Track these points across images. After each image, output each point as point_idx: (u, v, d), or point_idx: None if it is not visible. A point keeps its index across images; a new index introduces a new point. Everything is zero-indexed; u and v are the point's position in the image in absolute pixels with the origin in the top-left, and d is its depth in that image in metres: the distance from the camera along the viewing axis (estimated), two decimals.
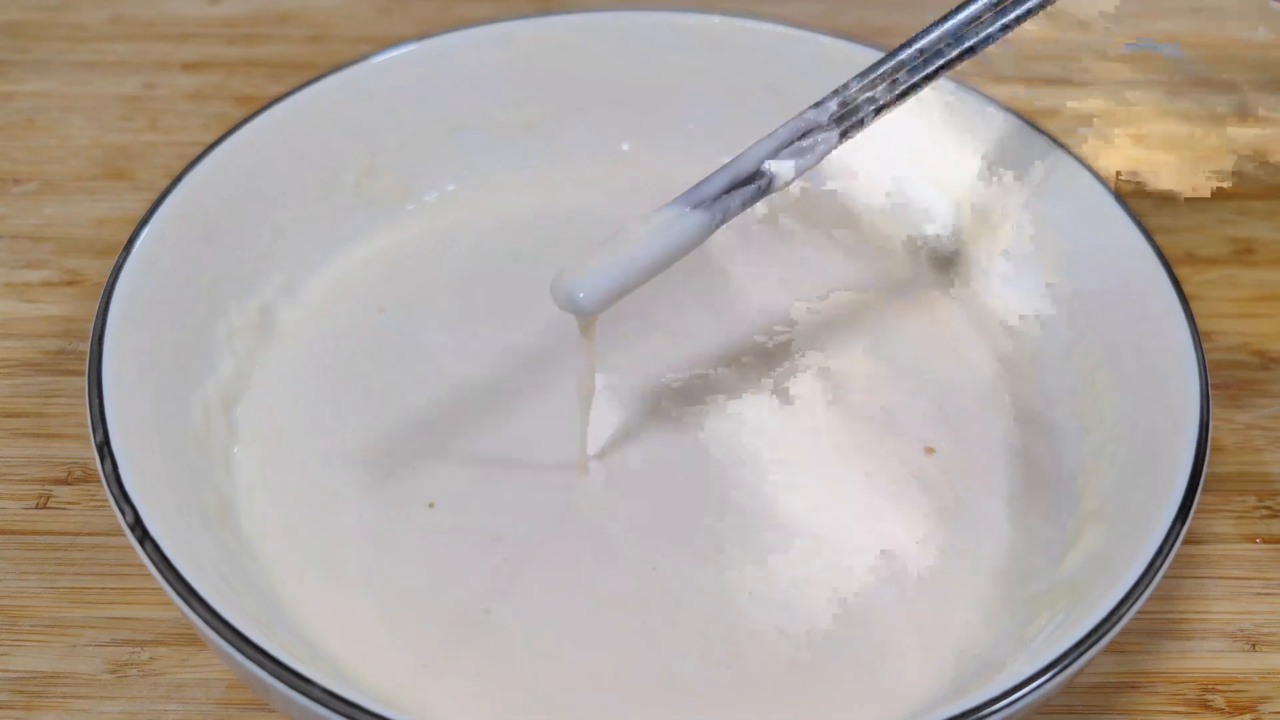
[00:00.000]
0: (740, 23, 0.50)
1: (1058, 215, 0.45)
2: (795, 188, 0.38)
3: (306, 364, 0.45)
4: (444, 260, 0.48)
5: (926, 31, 0.40)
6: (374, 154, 0.49)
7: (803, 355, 0.45)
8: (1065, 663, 0.32)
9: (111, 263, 0.40)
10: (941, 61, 0.40)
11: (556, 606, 0.38)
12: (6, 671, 0.39)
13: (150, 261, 0.41)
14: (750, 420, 0.43)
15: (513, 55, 0.50)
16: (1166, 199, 0.55)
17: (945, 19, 0.40)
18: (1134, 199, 0.53)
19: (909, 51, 0.40)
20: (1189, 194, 0.55)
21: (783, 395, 0.44)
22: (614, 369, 0.44)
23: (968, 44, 0.40)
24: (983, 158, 0.47)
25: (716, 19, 0.50)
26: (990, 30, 0.40)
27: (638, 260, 0.37)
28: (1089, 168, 0.44)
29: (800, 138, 0.38)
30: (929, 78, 0.40)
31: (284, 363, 0.44)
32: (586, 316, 0.37)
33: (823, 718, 0.36)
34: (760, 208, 0.48)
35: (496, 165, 0.51)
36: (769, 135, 0.39)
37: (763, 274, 0.48)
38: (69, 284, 0.50)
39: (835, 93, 0.40)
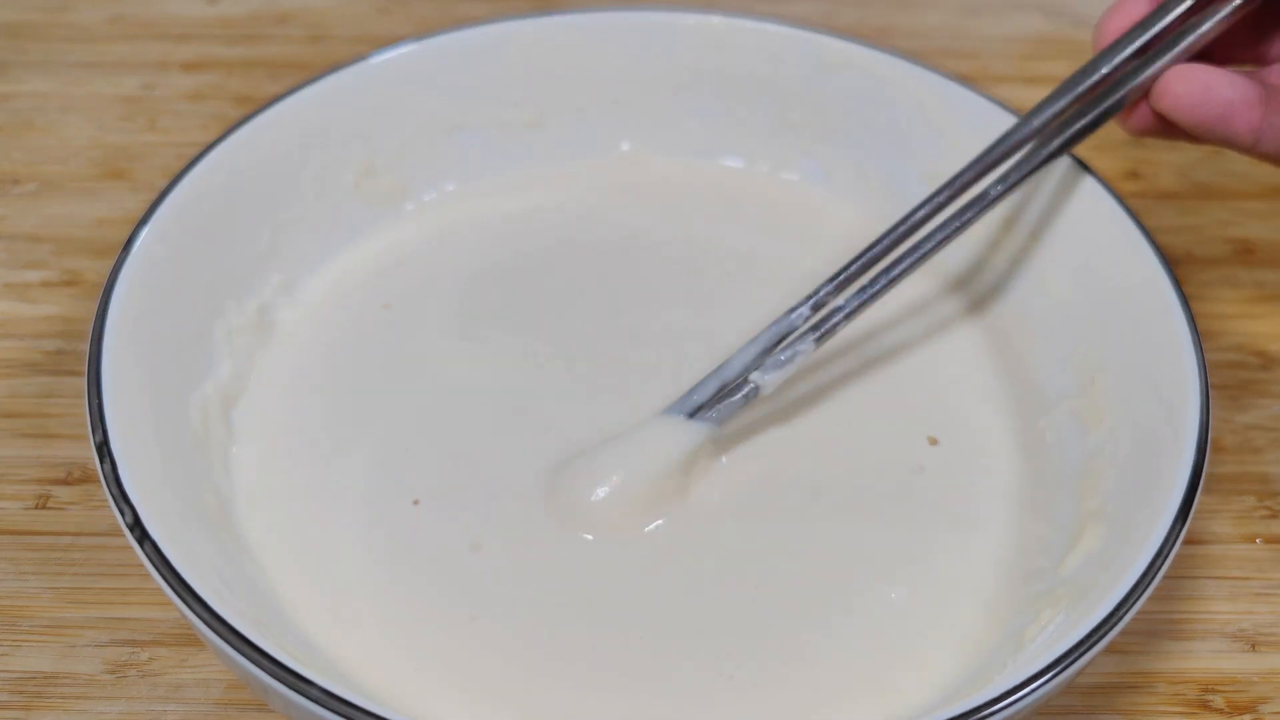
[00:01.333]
0: (740, 23, 0.50)
1: (1058, 215, 0.45)
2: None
3: (305, 364, 0.44)
4: (443, 260, 0.48)
5: (884, 238, 0.43)
6: (374, 154, 0.49)
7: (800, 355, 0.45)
8: (1065, 663, 0.32)
9: (110, 263, 0.40)
10: (904, 266, 0.42)
11: (551, 608, 0.38)
12: (6, 671, 0.39)
13: (149, 262, 0.41)
14: (749, 416, 0.43)
15: (513, 55, 0.50)
16: (1166, 199, 0.55)
17: (907, 227, 0.43)
18: (1134, 199, 0.53)
19: (871, 257, 0.43)
20: (1189, 194, 0.55)
21: (780, 394, 0.44)
22: (607, 363, 0.44)
23: (924, 251, 0.42)
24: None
25: (716, 19, 0.50)
26: (945, 236, 0.43)
27: (649, 473, 0.40)
28: (1089, 168, 0.44)
29: (778, 343, 0.42)
30: (893, 282, 0.42)
31: (283, 363, 0.44)
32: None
33: (823, 718, 0.36)
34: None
35: (496, 165, 0.51)
36: (751, 341, 0.42)
37: (762, 271, 0.48)
38: (68, 284, 0.50)
39: (808, 298, 0.42)
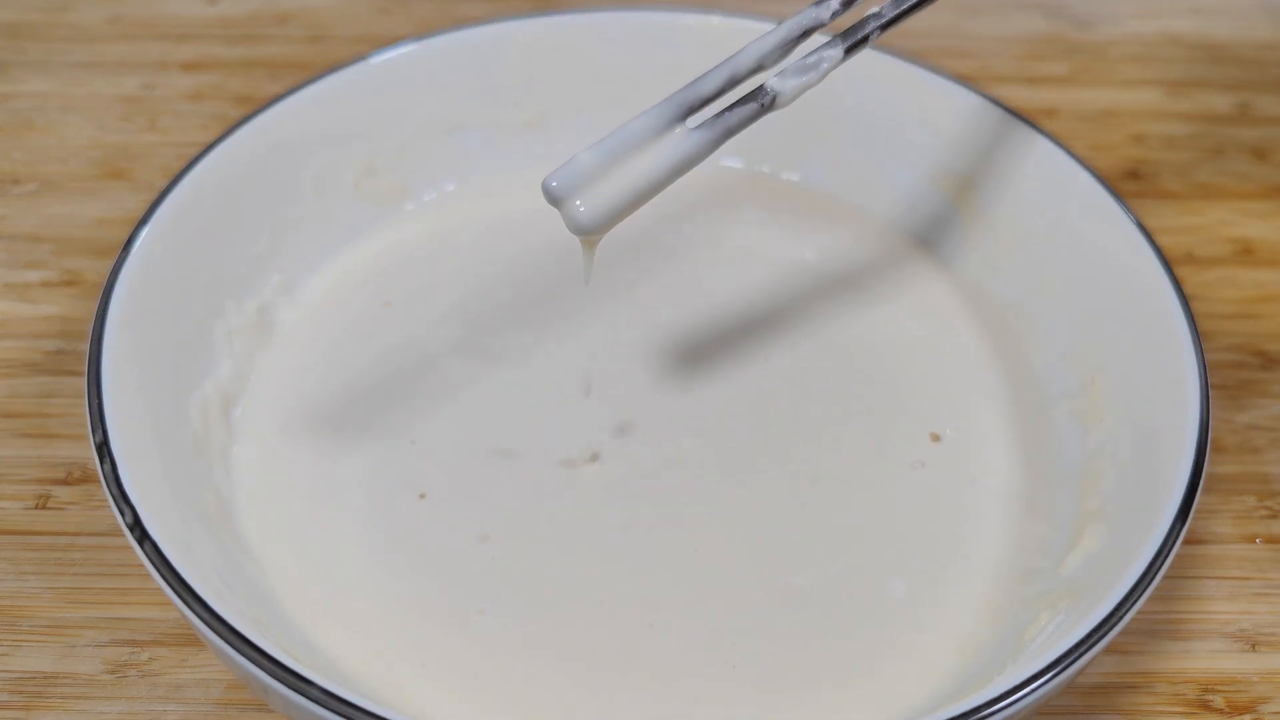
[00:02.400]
0: (740, 23, 0.50)
1: (1058, 215, 0.45)
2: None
3: (305, 364, 0.45)
4: (443, 260, 0.48)
5: None
6: (373, 154, 0.49)
7: (800, 357, 0.45)
8: (1065, 663, 0.32)
9: (110, 263, 0.40)
10: None
11: (552, 606, 0.38)
12: (6, 672, 0.39)
13: (149, 262, 0.41)
14: (750, 414, 0.43)
15: (513, 55, 0.50)
16: (1167, 199, 0.55)
17: None
18: (1134, 199, 0.53)
19: None
20: (1189, 194, 0.55)
21: (782, 397, 0.44)
22: (610, 355, 0.45)
23: None
24: (983, 158, 0.47)
25: (716, 19, 0.50)
26: None
27: (641, 184, 0.36)
28: (1089, 168, 0.44)
29: (802, 35, 0.37)
30: None
31: (282, 363, 0.44)
32: (588, 235, 0.36)
33: (823, 718, 0.36)
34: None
35: (496, 165, 0.51)
36: (769, 32, 0.37)
37: (762, 270, 0.48)
38: (68, 284, 0.50)
39: None
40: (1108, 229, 0.43)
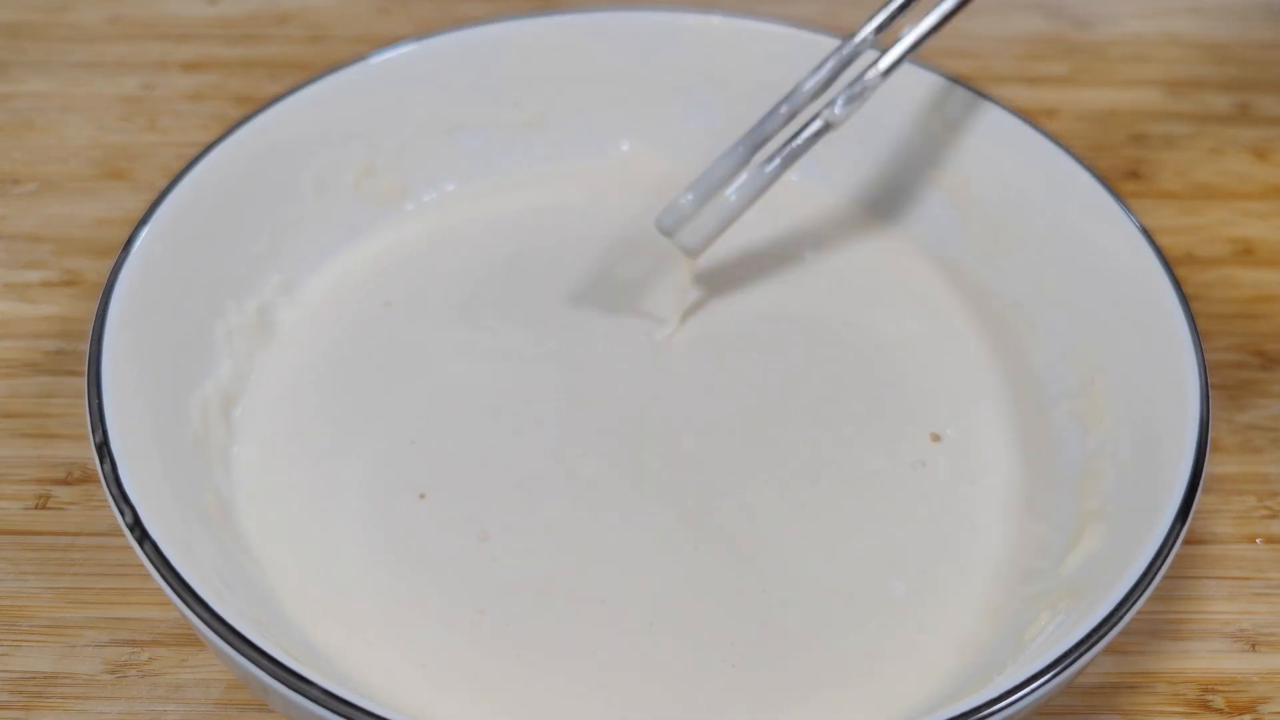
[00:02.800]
0: (740, 23, 0.50)
1: (1058, 215, 0.45)
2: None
3: (305, 364, 0.44)
4: (443, 260, 0.48)
5: None
6: (373, 154, 0.49)
7: (800, 357, 0.45)
8: (1065, 663, 0.32)
9: (110, 263, 0.40)
10: None
11: (553, 605, 0.38)
12: (6, 671, 0.39)
13: (149, 262, 0.41)
14: (750, 414, 0.43)
15: (513, 55, 0.50)
16: (1166, 199, 0.55)
17: None
18: (1134, 199, 0.53)
19: None
20: (1189, 194, 0.55)
21: (782, 397, 0.44)
22: (598, 346, 0.45)
23: None
24: (983, 158, 0.47)
25: (716, 19, 0.50)
26: None
27: (729, 213, 0.44)
28: (1089, 168, 0.44)
29: (844, 69, 0.43)
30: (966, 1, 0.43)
31: (282, 363, 0.44)
32: (695, 255, 0.45)
33: (823, 718, 0.36)
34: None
35: (496, 165, 0.51)
36: (816, 69, 0.44)
37: (764, 273, 0.48)
38: (68, 284, 0.50)
39: (871, 18, 0.44)
40: (1108, 229, 0.43)
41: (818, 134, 0.43)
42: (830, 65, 0.44)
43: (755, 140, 0.44)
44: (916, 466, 0.42)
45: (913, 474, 0.42)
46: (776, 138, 0.44)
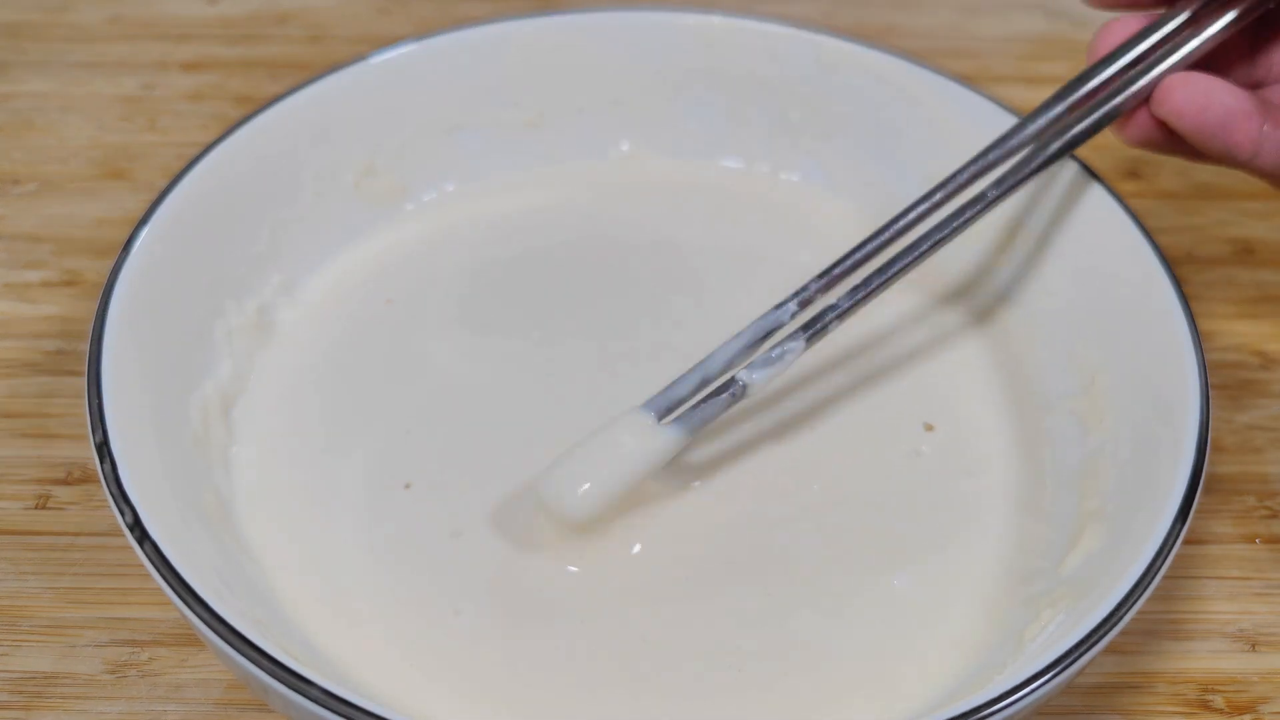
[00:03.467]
0: (740, 23, 0.50)
1: (1058, 216, 0.45)
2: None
3: (305, 364, 0.44)
4: (443, 261, 0.48)
5: (876, 236, 0.42)
6: (373, 154, 0.49)
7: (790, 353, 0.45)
8: (1065, 663, 0.32)
9: (110, 263, 0.40)
10: (898, 267, 0.41)
11: (553, 605, 0.38)
12: (6, 671, 0.39)
13: (149, 262, 0.41)
14: (749, 414, 0.43)
15: (513, 55, 0.50)
16: (1166, 199, 0.55)
17: (901, 226, 0.42)
18: (1134, 199, 0.53)
19: (864, 255, 0.42)
20: (1189, 194, 0.55)
21: (781, 396, 0.44)
22: (606, 361, 0.45)
23: (919, 251, 0.41)
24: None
25: (716, 19, 0.50)
26: (941, 236, 0.42)
27: (624, 475, 0.39)
28: (1089, 168, 0.44)
29: (764, 339, 0.40)
30: (887, 283, 0.41)
31: (283, 363, 0.44)
32: (582, 525, 0.39)
33: (823, 718, 0.36)
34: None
35: (496, 165, 0.51)
36: (735, 336, 0.40)
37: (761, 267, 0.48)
38: (68, 284, 0.50)
39: (796, 294, 0.41)
40: (1108, 229, 0.43)
41: (732, 398, 0.39)
42: (750, 335, 0.40)
43: (663, 406, 0.39)
44: (916, 466, 0.42)
45: (913, 475, 0.42)
46: (687, 401, 0.40)
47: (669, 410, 0.39)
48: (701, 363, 0.40)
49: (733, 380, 0.40)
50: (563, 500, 0.38)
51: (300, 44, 0.61)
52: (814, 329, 0.41)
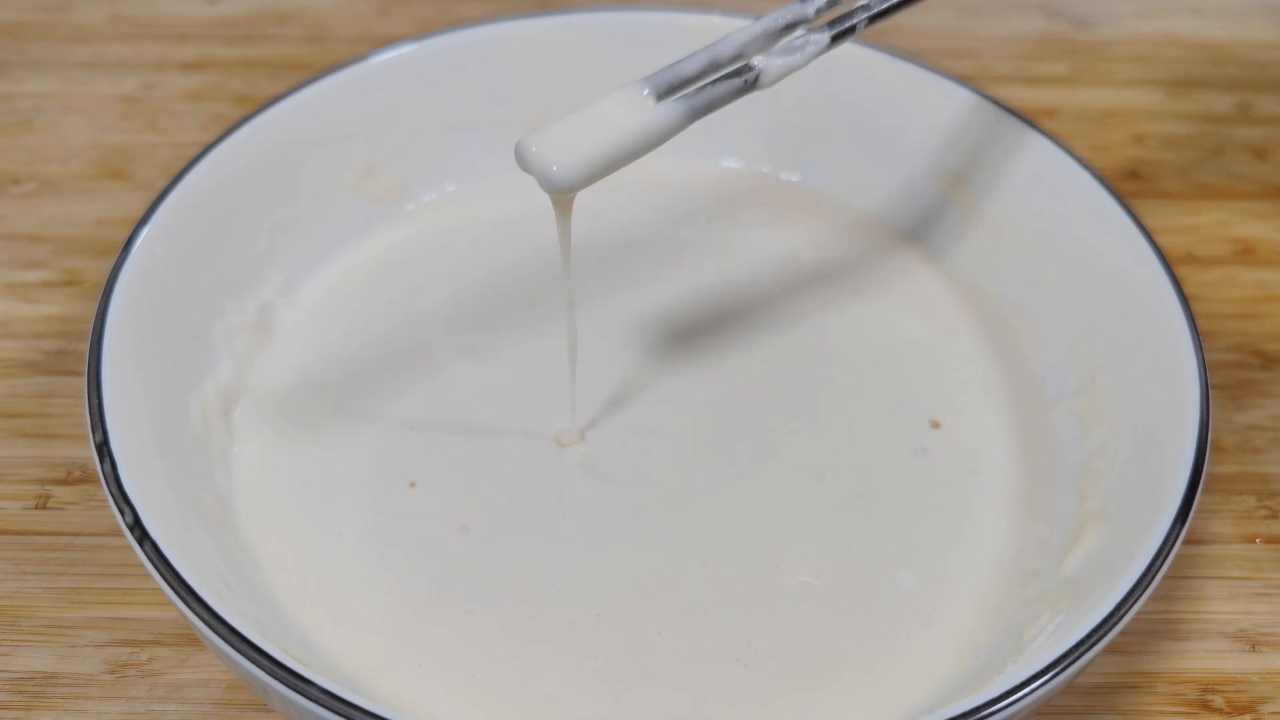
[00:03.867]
0: (740, 23, 0.50)
1: (1058, 215, 0.45)
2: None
3: (305, 364, 0.44)
4: (443, 260, 0.48)
5: None
6: (372, 154, 0.49)
7: (802, 357, 0.45)
8: (1065, 663, 0.32)
9: (110, 263, 0.40)
10: None
11: (554, 604, 0.38)
12: (6, 671, 0.39)
13: (149, 262, 0.41)
14: (749, 414, 0.43)
15: (513, 55, 0.50)
16: (1167, 199, 0.55)
17: None
18: (1134, 199, 0.53)
19: None
20: (1189, 194, 0.55)
21: (782, 396, 0.44)
22: (600, 344, 0.45)
23: None
24: (983, 158, 0.47)
25: (716, 19, 0.50)
26: None
27: (616, 147, 0.36)
28: (1089, 168, 0.44)
29: (786, 29, 0.37)
30: None
31: (283, 363, 0.44)
32: (560, 194, 0.36)
33: (823, 718, 0.36)
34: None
35: (496, 165, 0.51)
36: (754, 22, 0.37)
37: (763, 265, 0.48)
38: (68, 284, 0.50)
39: None
40: (1108, 229, 0.43)
41: (744, 84, 0.36)
42: (769, 22, 0.37)
43: (665, 83, 0.36)
44: (916, 465, 0.42)
45: (913, 475, 0.42)
46: (694, 84, 0.37)
47: (671, 90, 0.36)
48: (712, 45, 0.36)
49: (746, 66, 0.36)
50: (543, 163, 0.35)
51: (300, 44, 0.61)
52: (842, 26, 0.37)
